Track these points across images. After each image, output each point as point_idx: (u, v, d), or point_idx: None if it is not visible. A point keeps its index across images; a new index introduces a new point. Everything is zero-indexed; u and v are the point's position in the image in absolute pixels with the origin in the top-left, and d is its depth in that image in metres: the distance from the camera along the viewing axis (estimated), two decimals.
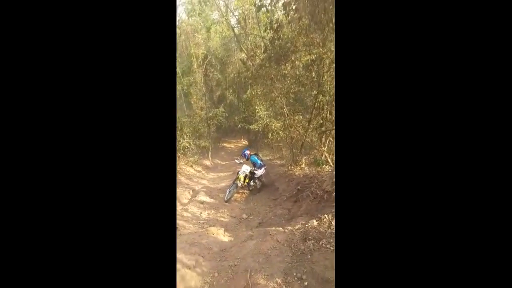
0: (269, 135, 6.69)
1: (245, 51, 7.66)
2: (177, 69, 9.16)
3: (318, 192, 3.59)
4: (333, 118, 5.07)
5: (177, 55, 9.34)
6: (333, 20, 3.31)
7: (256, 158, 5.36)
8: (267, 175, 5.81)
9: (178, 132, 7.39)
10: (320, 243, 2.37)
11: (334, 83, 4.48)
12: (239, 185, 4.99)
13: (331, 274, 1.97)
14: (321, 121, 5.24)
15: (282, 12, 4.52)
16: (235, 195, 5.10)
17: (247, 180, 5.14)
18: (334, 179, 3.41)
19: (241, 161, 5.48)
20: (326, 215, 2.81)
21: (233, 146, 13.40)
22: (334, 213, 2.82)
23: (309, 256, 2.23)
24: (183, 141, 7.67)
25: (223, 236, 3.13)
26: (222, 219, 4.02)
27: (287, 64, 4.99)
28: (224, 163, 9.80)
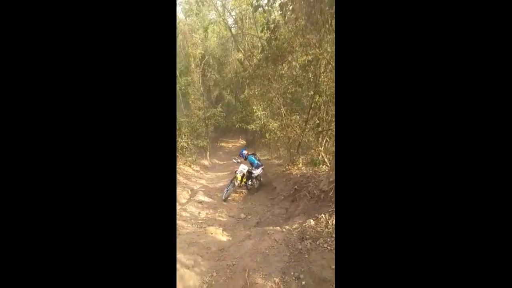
0: (267, 135, 6.71)
1: (243, 51, 7.67)
2: None
3: (315, 191, 3.62)
4: (330, 118, 5.10)
5: None
6: (329, 21, 3.33)
7: (253, 158, 5.40)
8: (265, 175, 5.84)
9: (176, 132, 7.39)
10: (318, 243, 2.40)
11: (330, 84, 4.52)
12: (236, 184, 5.03)
13: (328, 273, 2.00)
14: (318, 121, 5.27)
15: (279, 12, 4.54)
16: (234, 194, 5.13)
17: (244, 180, 5.18)
18: (330, 179, 3.44)
19: (239, 160, 5.52)
20: (323, 215, 2.84)
21: (231, 146, 13.40)
22: (331, 212, 2.86)
23: (307, 256, 2.26)
24: (181, 141, 7.67)
25: (221, 236, 3.15)
26: (220, 218, 4.04)
27: (284, 65, 5.02)
28: (222, 162, 9.81)
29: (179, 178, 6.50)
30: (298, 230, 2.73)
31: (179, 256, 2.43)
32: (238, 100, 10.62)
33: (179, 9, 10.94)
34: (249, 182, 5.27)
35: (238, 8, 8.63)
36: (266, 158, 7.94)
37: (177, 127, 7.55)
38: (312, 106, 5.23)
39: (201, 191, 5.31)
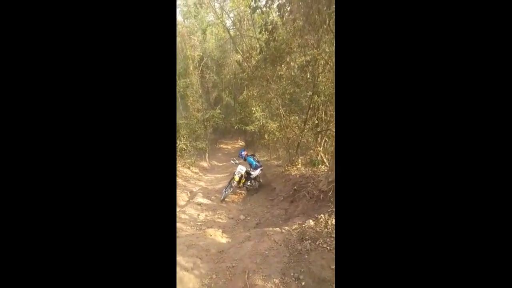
0: (266, 136, 6.71)
1: (241, 53, 7.68)
2: None
3: (314, 192, 3.62)
4: (328, 118, 5.11)
5: None
6: (327, 22, 3.34)
7: (252, 159, 5.40)
8: (264, 175, 5.83)
9: (176, 134, 7.38)
10: (317, 243, 2.39)
11: (328, 84, 4.53)
12: (234, 185, 5.02)
13: (328, 274, 1.99)
14: (317, 122, 5.28)
15: (277, 13, 4.55)
16: (233, 196, 5.12)
17: (243, 181, 5.17)
18: (329, 179, 3.44)
19: (237, 161, 5.51)
20: (322, 215, 2.83)
21: (230, 147, 13.40)
22: (330, 212, 2.85)
23: (306, 256, 2.25)
24: (180, 143, 7.67)
25: (220, 238, 3.13)
26: (219, 220, 4.02)
27: (282, 65, 5.03)
28: (221, 164, 9.80)
29: (178, 180, 6.48)
30: (297, 230, 2.72)
31: (178, 258, 2.41)
32: (236, 102, 10.64)
33: (177, 11, 10.98)
34: (248, 183, 5.26)
35: (236, 10, 8.67)
36: (265, 159, 7.94)
37: (176, 129, 7.55)
38: (311, 106, 5.24)
39: (200, 193, 5.30)
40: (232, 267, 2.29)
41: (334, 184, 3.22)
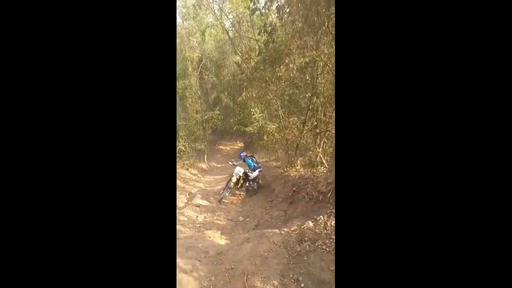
0: (265, 137, 6.71)
1: (240, 54, 7.69)
2: None
3: (313, 193, 3.61)
4: (327, 119, 5.12)
5: None
6: (326, 23, 3.35)
7: (250, 161, 5.40)
8: (263, 177, 5.82)
9: (176, 136, 7.37)
10: (316, 244, 2.39)
11: (327, 85, 4.54)
12: (231, 186, 5.02)
13: (327, 275, 1.98)
14: (316, 123, 5.29)
15: (276, 15, 4.56)
16: (232, 197, 5.11)
17: (241, 182, 5.17)
18: (329, 180, 3.44)
19: (235, 163, 5.51)
20: (321, 216, 2.83)
21: (228, 149, 13.39)
22: (329, 214, 2.85)
23: (305, 258, 2.24)
24: (179, 144, 7.66)
25: (219, 239, 3.12)
26: (218, 222, 4.01)
27: (281, 67, 5.04)
28: (220, 165, 9.79)
29: (177, 182, 6.46)
30: (296, 232, 2.71)
31: (177, 260, 2.40)
32: (235, 103, 10.65)
33: (176, 13, 10.99)
34: (246, 184, 5.26)
35: (235, 11, 8.67)
36: (264, 160, 7.93)
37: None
38: (310, 107, 5.24)
39: (199, 195, 5.28)
40: (231, 269, 2.28)
41: (333, 185, 3.22)
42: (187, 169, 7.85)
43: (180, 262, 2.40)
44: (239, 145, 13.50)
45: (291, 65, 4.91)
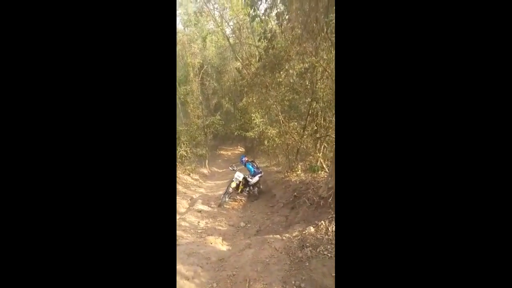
0: (265, 142, 6.73)
1: (240, 60, 7.77)
2: None
3: (314, 198, 3.61)
4: (327, 124, 5.14)
5: None
6: (325, 30, 3.40)
7: (250, 166, 5.42)
8: (264, 182, 5.81)
9: (176, 141, 7.40)
10: (318, 250, 2.38)
11: (327, 90, 4.57)
12: (231, 191, 5.02)
13: (329, 282, 1.97)
14: (316, 128, 5.31)
15: (276, 22, 4.63)
16: (233, 203, 5.10)
17: (241, 187, 5.17)
18: (329, 185, 3.44)
19: (235, 168, 5.52)
20: (323, 221, 2.83)
21: (230, 154, 13.39)
22: (330, 219, 2.84)
23: (307, 264, 2.24)
24: (181, 149, 7.68)
25: (221, 245, 3.11)
26: (220, 227, 4.00)
27: (281, 73, 5.08)
28: (221, 170, 9.78)
29: (178, 187, 6.47)
30: (298, 238, 2.71)
31: (179, 267, 2.40)
32: (236, 108, 10.69)
33: (177, 20, 11.16)
34: (246, 189, 5.26)
35: (236, 18, 8.80)
36: (265, 165, 7.93)
37: (177, 136, 7.57)
38: (310, 112, 5.27)
39: (200, 200, 5.28)
40: (233, 276, 2.27)
41: (334, 190, 3.22)
42: (189, 174, 7.85)
43: (182, 268, 2.40)
44: (240, 150, 13.51)
45: (291, 71, 4.95)
